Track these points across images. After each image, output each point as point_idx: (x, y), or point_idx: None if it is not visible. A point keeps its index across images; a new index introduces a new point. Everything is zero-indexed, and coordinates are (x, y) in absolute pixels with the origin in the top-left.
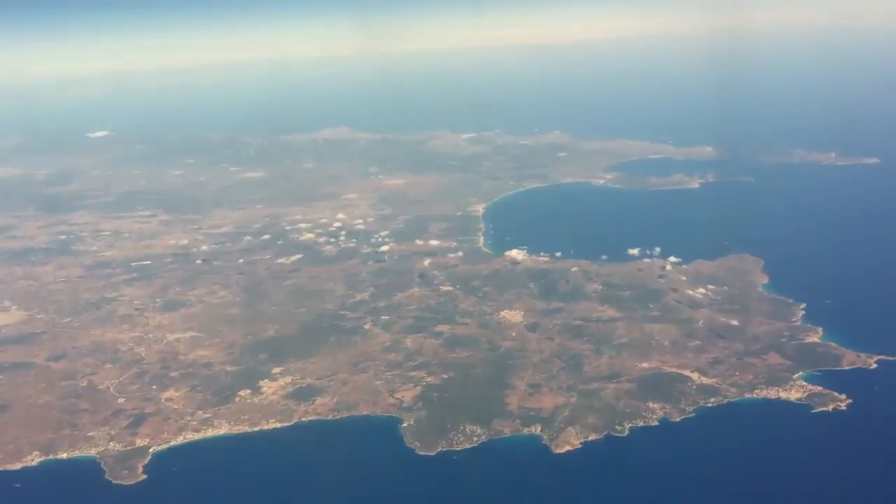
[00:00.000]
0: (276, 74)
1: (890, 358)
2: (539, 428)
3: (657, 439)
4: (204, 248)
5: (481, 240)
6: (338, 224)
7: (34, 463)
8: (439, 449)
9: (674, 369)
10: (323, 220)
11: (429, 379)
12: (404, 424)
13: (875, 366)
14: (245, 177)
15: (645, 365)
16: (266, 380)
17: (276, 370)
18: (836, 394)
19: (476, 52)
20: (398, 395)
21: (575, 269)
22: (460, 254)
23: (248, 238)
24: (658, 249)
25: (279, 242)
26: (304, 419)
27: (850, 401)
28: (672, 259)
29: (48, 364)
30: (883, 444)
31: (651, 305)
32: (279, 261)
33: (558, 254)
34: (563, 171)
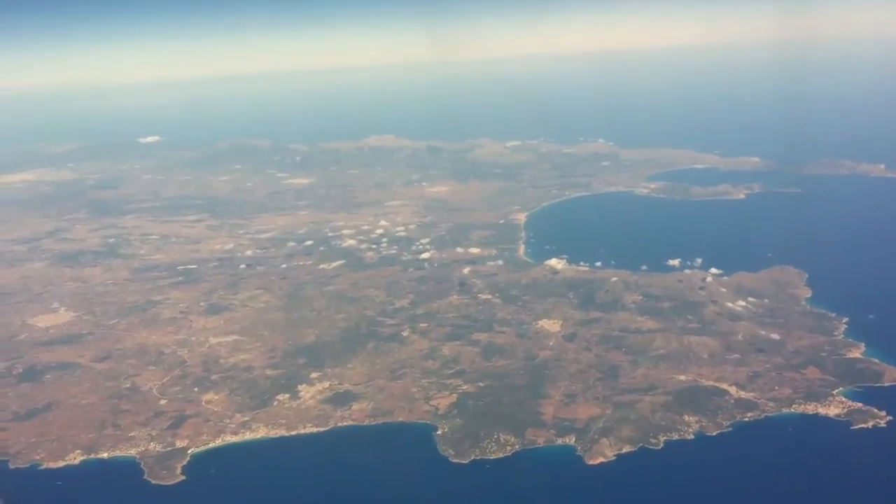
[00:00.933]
0: (334, 83)
1: None
2: (573, 438)
3: (692, 453)
4: (248, 252)
5: (522, 248)
6: (380, 231)
7: (76, 462)
8: (472, 457)
9: (711, 382)
10: (365, 227)
11: (465, 387)
12: (439, 432)
13: None
14: (291, 183)
15: (682, 377)
16: (304, 384)
17: (315, 375)
18: (876, 410)
19: (534, 59)
20: (434, 403)
21: (614, 279)
22: (500, 262)
23: (292, 244)
24: (699, 260)
25: (322, 248)
26: (340, 424)
27: (891, 418)
28: (713, 270)
29: (93, 365)
30: None
31: (690, 317)
32: (321, 266)
33: (598, 263)
34: (606, 180)
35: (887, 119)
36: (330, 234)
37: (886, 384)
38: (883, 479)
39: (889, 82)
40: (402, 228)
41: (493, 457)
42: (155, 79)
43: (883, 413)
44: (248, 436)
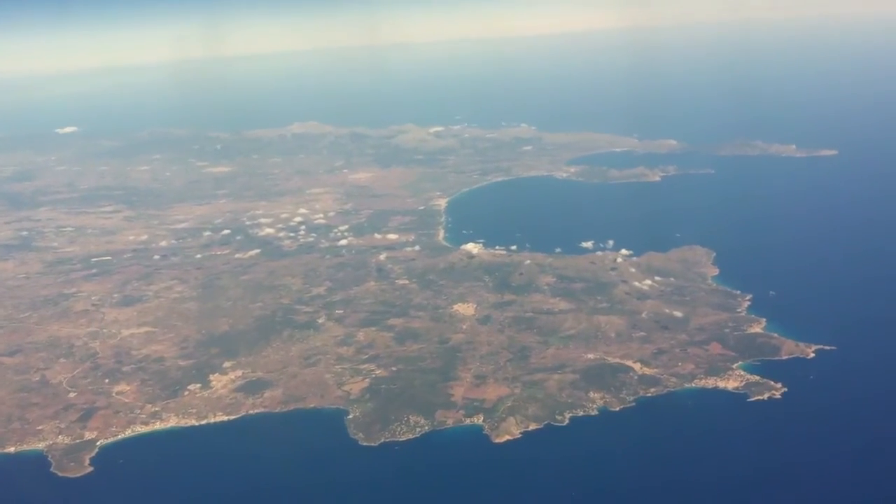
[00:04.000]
0: (259, 69)
1: (827, 347)
2: (481, 418)
3: (596, 429)
4: (163, 243)
5: (441, 234)
6: (298, 219)
7: None
8: (382, 440)
9: (617, 360)
10: (284, 215)
11: (378, 372)
12: (350, 416)
13: (813, 355)
14: (211, 172)
15: (590, 356)
16: (216, 374)
17: (227, 364)
18: (772, 382)
19: (456, 44)
20: (346, 388)
21: (529, 262)
22: (417, 248)
23: (209, 233)
24: (611, 242)
25: (238, 238)
26: (251, 412)
27: (786, 389)
28: (624, 251)
29: (2, 359)
30: (813, 432)
31: (600, 297)
32: (237, 256)
33: (514, 247)
34: (528, 165)
35: (800, 101)
36: (248, 223)
37: (784, 357)
38: (774, 448)
39: (803, 66)
40: (322, 216)
41: (402, 439)
42: (75, 68)
43: (779, 385)
44: (158, 426)
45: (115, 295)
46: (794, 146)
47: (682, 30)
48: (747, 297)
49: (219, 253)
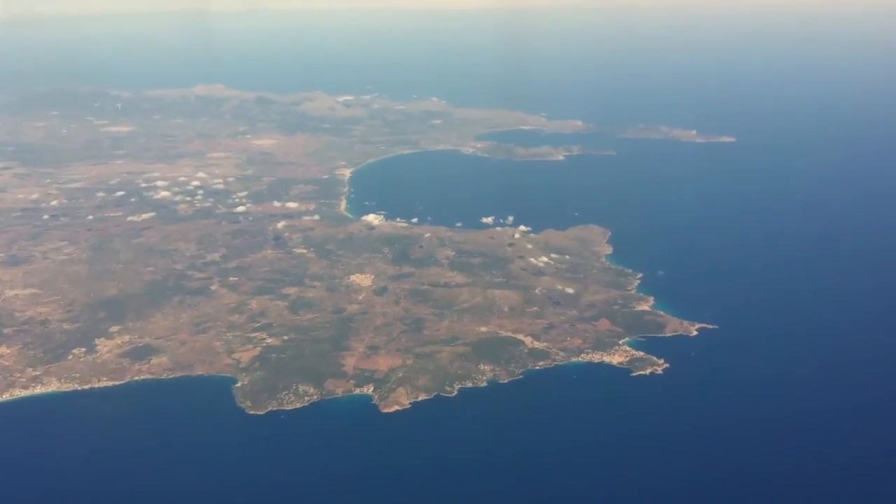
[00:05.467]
0: (167, 26)
1: (710, 326)
2: (371, 388)
3: (483, 400)
4: (54, 203)
5: (343, 204)
6: (196, 183)
7: None
8: (269, 408)
9: (509, 333)
10: (182, 179)
11: (269, 340)
12: (238, 384)
13: (696, 333)
14: (109, 131)
15: (483, 329)
16: (102, 338)
17: (115, 329)
18: (655, 358)
19: (372, 13)
20: (236, 356)
21: (429, 235)
22: (317, 217)
23: (102, 194)
24: (511, 218)
25: (133, 200)
26: (136, 378)
27: (668, 365)
28: (522, 228)
29: None
30: (690, 406)
31: (496, 272)
32: (130, 218)
33: (415, 220)
34: (435, 139)
35: (706, 88)
36: (143, 186)
37: (668, 334)
38: (652, 420)
39: (711, 54)
40: (221, 181)
41: (290, 407)
42: None
43: (661, 361)
44: (38, 390)
45: (0, 254)
46: (694, 132)
47: (585, 11)
48: (638, 276)
49: (112, 215)
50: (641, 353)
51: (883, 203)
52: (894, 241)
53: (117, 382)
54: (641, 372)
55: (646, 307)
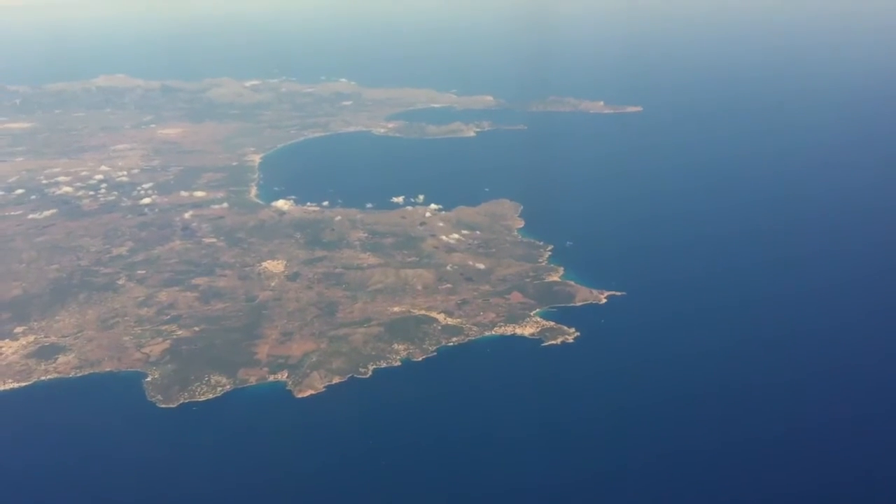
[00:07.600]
0: (61, 18)
1: (618, 293)
2: (286, 375)
3: (397, 379)
4: None
5: (253, 190)
6: (99, 177)
7: None
8: (181, 401)
9: (423, 312)
10: (84, 173)
11: (180, 332)
12: (148, 379)
13: (605, 301)
14: (8, 128)
15: (396, 309)
16: (6, 340)
17: (19, 329)
18: (566, 328)
19: None
20: (146, 350)
21: (340, 217)
22: (226, 205)
23: (1, 193)
24: (422, 197)
25: (34, 197)
26: (43, 378)
27: (578, 334)
28: (433, 206)
29: None
30: (599, 372)
31: (408, 251)
32: (31, 216)
33: (326, 203)
34: (346, 120)
35: (609, 61)
36: (44, 182)
37: (578, 304)
38: (562, 388)
39: (611, 30)
40: (125, 173)
41: (202, 399)
42: None
43: (572, 330)
44: None
45: None
46: (602, 103)
47: None
48: (549, 248)
49: (12, 214)
50: (552, 324)
51: (790, 173)
52: (797, 211)
53: (23, 384)
54: (552, 342)
55: (556, 278)
